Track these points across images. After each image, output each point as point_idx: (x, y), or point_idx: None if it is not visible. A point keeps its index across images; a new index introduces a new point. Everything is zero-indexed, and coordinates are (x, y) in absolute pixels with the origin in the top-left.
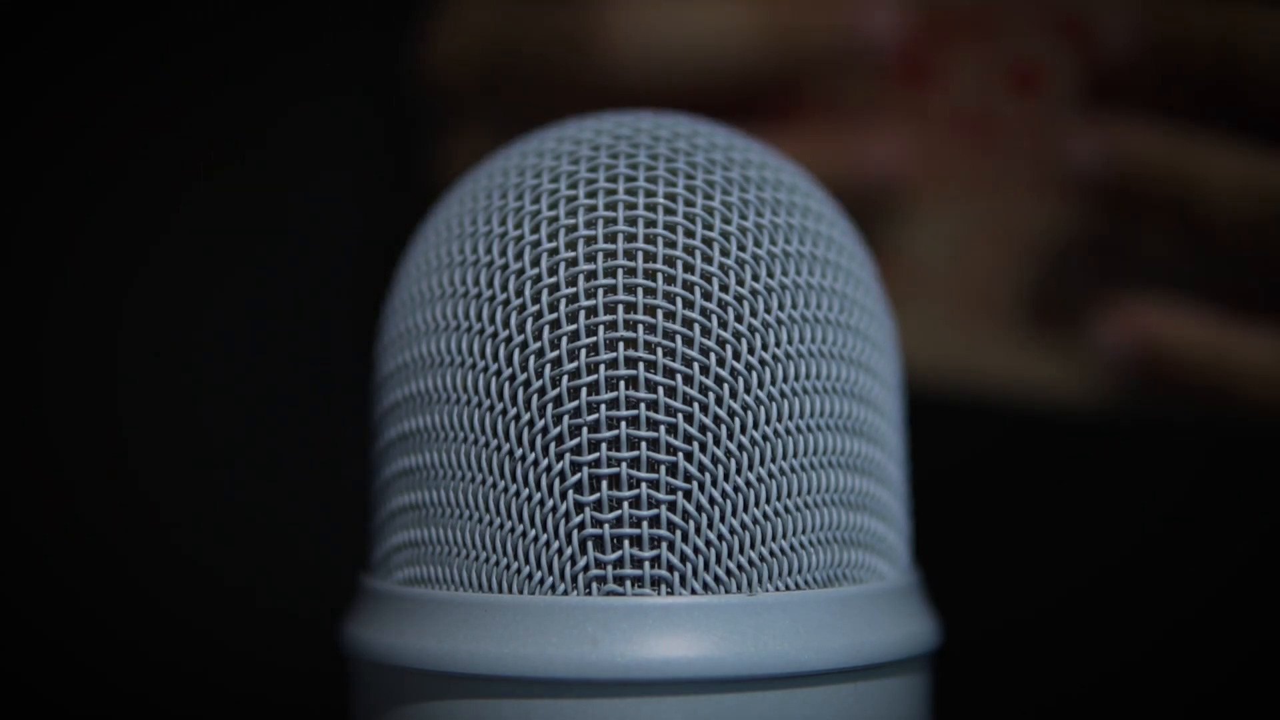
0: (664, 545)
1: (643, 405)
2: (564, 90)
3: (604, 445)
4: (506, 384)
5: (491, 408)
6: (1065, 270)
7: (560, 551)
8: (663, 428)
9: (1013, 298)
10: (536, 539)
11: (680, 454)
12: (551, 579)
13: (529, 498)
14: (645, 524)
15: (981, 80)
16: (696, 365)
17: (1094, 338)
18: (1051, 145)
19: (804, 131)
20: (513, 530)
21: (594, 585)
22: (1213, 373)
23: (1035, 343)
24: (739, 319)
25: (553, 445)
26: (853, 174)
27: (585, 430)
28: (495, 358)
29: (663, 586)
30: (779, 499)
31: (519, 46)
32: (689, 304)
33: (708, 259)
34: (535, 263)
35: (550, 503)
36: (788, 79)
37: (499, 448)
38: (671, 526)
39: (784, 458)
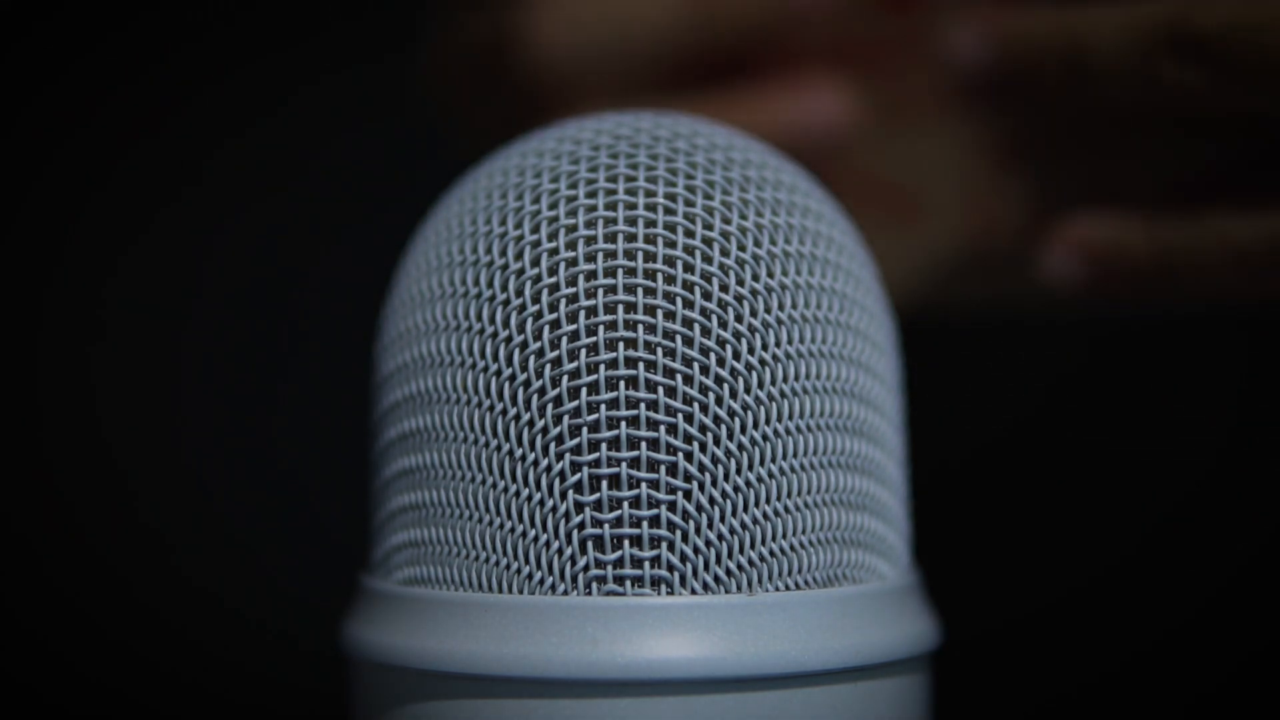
0: (664, 545)
1: (643, 405)
2: (510, 91)
3: (604, 445)
4: (506, 384)
5: (491, 408)
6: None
7: (560, 551)
8: (663, 428)
9: (1012, 211)
10: (536, 539)
11: (680, 454)
12: (551, 579)
13: (529, 498)
14: (645, 524)
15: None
16: (696, 365)
17: (1042, 264)
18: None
19: (739, 101)
20: (513, 530)
21: (594, 585)
22: (1161, 265)
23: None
24: (739, 319)
25: (553, 445)
26: (798, 135)
27: (585, 430)
28: (495, 358)
29: (663, 586)
30: (779, 499)
31: (475, 53)
32: (689, 304)
33: (708, 259)
34: (535, 263)
35: (550, 503)
36: (727, 48)
37: (499, 448)
38: (671, 526)
39: (784, 458)
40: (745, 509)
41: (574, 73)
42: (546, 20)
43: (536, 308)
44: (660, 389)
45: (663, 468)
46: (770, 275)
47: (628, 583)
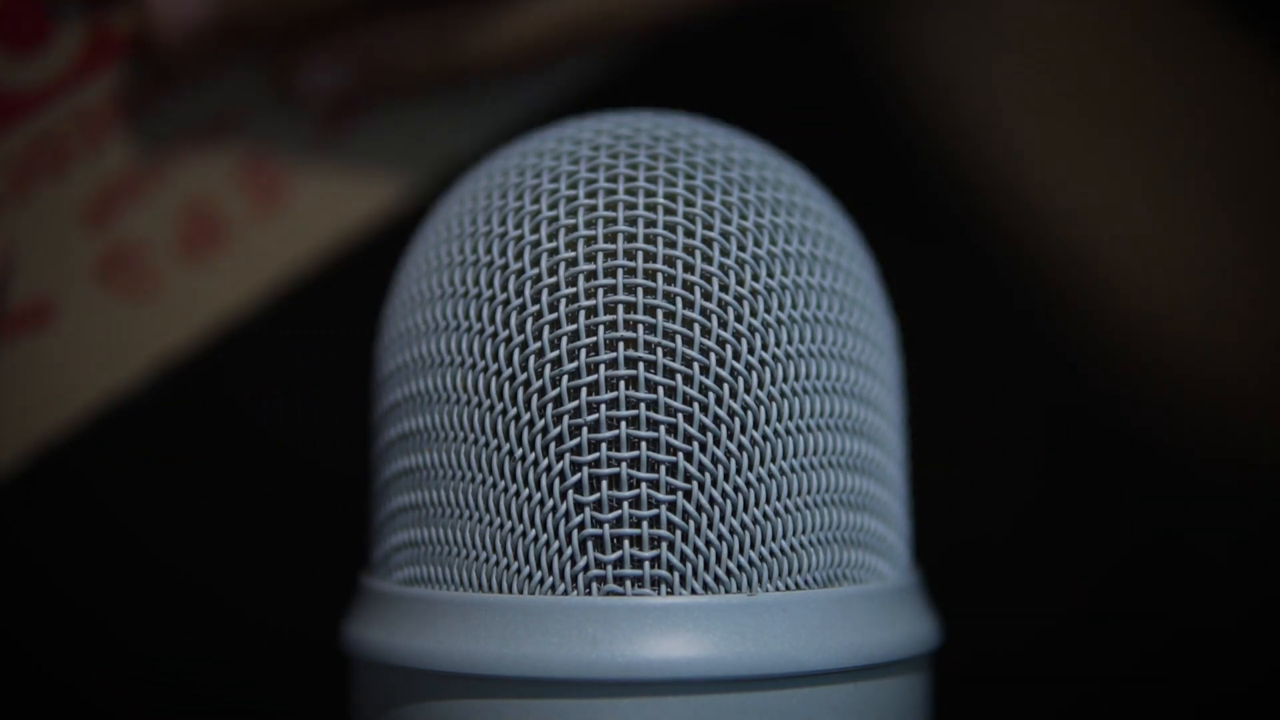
0: (664, 545)
1: (643, 405)
2: None
3: (604, 445)
4: (506, 384)
5: (491, 408)
6: None
7: (560, 551)
8: (663, 428)
9: None
10: (536, 539)
11: (680, 454)
12: (551, 579)
13: (529, 498)
14: (645, 524)
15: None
16: (696, 365)
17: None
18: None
19: None
20: (513, 530)
21: (594, 585)
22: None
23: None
24: (739, 319)
25: (553, 445)
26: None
27: (585, 430)
28: (495, 358)
29: (663, 586)
30: (779, 499)
31: None
32: (689, 304)
33: (708, 259)
34: (535, 263)
35: (550, 503)
36: None
37: (499, 448)
38: (671, 526)
39: (784, 458)
40: (745, 509)
41: None
42: None
43: (536, 308)
44: (660, 389)
45: (663, 468)
46: (770, 275)
47: (628, 583)
